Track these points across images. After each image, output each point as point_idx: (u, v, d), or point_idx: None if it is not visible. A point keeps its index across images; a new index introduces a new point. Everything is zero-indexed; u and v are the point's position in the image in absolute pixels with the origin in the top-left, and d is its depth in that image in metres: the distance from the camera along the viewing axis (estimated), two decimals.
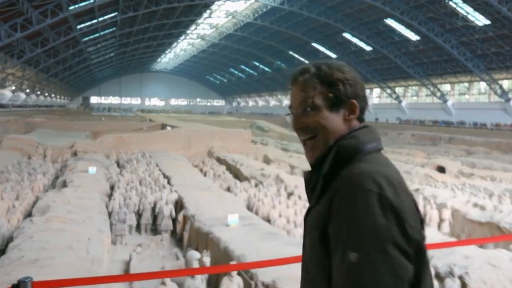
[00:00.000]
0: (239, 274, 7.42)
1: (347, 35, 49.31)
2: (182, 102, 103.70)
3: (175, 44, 68.33)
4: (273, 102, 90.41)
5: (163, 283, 7.00)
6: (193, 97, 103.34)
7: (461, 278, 7.26)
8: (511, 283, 6.91)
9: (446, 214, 12.82)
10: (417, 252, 1.04)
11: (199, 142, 26.79)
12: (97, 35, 43.83)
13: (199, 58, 78.55)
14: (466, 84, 48.97)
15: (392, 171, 1.13)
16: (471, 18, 37.32)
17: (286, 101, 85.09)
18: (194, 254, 8.52)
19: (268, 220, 11.81)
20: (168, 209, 12.40)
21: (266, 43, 58.58)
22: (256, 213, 12.58)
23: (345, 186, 1.07)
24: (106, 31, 44.16)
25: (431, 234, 11.12)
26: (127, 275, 7.03)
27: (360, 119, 1.24)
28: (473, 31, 38.72)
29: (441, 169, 24.29)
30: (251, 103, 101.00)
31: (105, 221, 11.31)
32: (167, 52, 75.69)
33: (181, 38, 63.44)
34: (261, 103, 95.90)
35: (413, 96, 57.23)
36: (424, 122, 50.76)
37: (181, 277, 7.81)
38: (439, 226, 12.74)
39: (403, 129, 49.32)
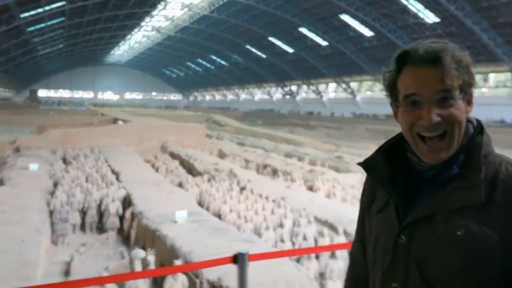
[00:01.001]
0: (183, 272, 7.12)
1: (303, 30, 49.66)
2: (137, 96, 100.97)
3: (129, 36, 66.24)
4: (230, 96, 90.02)
5: (103, 286, 6.55)
6: (148, 91, 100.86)
7: None
8: None
9: None
10: None
11: (152, 137, 26.05)
12: (43, 25, 41.59)
13: (154, 51, 76.69)
14: None
15: None
16: (422, 16, 38.60)
17: (244, 95, 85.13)
18: (138, 253, 8.14)
19: (219, 216, 11.55)
20: (114, 207, 11.84)
21: (223, 36, 58.01)
22: (207, 209, 12.29)
23: None
24: (54, 21, 41.99)
25: None
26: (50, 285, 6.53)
27: None
28: (424, 28, 40.05)
29: None
30: (208, 97, 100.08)
31: (45, 221, 10.63)
32: (120, 44, 73.31)
33: (135, 30, 61.59)
34: (218, 97, 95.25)
35: (368, 91, 58.64)
36: (378, 116, 52.11)
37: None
38: None
39: (358, 123, 50.46)
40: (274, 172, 19.68)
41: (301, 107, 66.75)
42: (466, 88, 0.99)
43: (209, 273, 6.90)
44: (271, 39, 55.10)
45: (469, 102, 1.01)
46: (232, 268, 7.28)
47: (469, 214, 0.92)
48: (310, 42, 51.96)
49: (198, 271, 7.00)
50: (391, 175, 1.07)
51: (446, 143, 0.98)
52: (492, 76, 42.88)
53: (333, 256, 7.95)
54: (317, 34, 48.92)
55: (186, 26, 57.07)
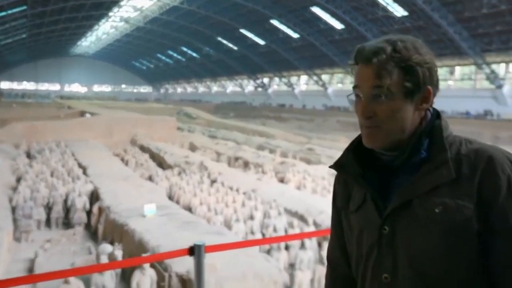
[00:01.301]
0: (152, 266, 7.01)
1: (274, 22, 49.58)
2: (106, 88, 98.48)
3: (96, 27, 64.40)
4: (202, 88, 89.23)
5: (66, 282, 6.38)
6: (118, 84, 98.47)
7: None
8: None
9: None
10: None
11: (122, 130, 25.50)
12: (4, 13, 39.85)
13: (123, 42, 74.90)
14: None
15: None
16: (391, 9, 39.15)
17: (215, 88, 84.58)
18: (105, 248, 7.95)
19: (189, 209, 11.44)
20: (81, 201, 11.54)
21: (194, 28, 57.24)
22: (177, 202, 12.15)
23: (498, 165, 0.97)
24: (15, 10, 40.31)
25: None
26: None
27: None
28: (393, 22, 40.67)
29: None
30: (179, 90, 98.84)
31: (6, 217, 10.25)
32: (88, 35, 71.19)
33: (103, 20, 59.94)
34: (190, 89, 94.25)
35: (339, 83, 59.28)
36: (349, 109, 52.83)
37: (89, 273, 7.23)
38: None
39: (329, 115, 51.06)
40: (246, 165, 19.67)
41: (273, 100, 66.85)
42: (411, 87, 1.02)
43: (178, 266, 6.82)
44: (243, 31, 54.79)
45: (424, 99, 1.05)
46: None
47: (443, 192, 0.98)
48: (281, 34, 51.97)
49: (167, 265, 6.92)
50: (363, 171, 1.11)
51: (376, 134, 1.05)
52: (458, 69, 44.12)
53: (302, 246, 8.00)
54: (288, 27, 48.97)
55: (155, 17, 55.96)
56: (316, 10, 44.05)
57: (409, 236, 1.00)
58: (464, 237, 0.95)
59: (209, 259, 7.50)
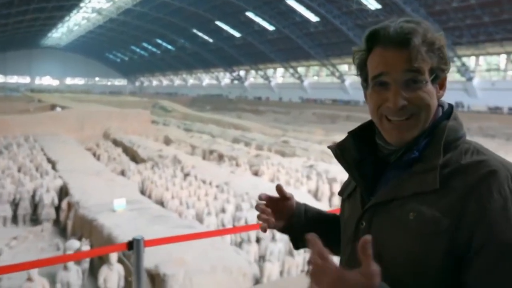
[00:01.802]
0: (120, 261, 6.92)
1: (250, 14, 49.36)
2: (79, 81, 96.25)
3: (67, 17, 62.72)
4: (178, 81, 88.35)
5: (29, 279, 6.23)
6: (91, 76, 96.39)
7: None
8: None
9: (336, 187, 13.41)
10: None
11: (94, 124, 25.02)
12: None
13: (96, 34, 73.24)
14: None
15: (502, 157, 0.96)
16: (365, 2, 39.49)
17: (191, 81, 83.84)
18: (72, 244, 7.80)
19: (161, 203, 11.33)
20: (49, 197, 11.27)
21: (168, 20, 56.45)
22: (149, 196, 12.02)
23: (496, 183, 0.86)
24: None
25: (324, 208, 11.57)
26: None
27: None
28: (367, 15, 41.08)
29: None
30: (155, 83, 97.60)
31: None
32: (58, 26, 69.28)
33: (74, 11, 58.41)
34: (165, 82, 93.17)
35: (314, 76, 59.67)
36: (325, 101, 53.28)
37: (54, 269, 7.09)
38: (330, 199, 13.29)
39: (305, 107, 51.35)
40: (220, 158, 19.61)
41: (249, 92, 66.78)
42: (438, 71, 0.96)
43: (147, 261, 6.74)
44: (218, 23, 54.35)
45: (441, 86, 0.99)
46: (172, 254, 7.16)
47: (425, 199, 0.90)
48: (257, 26, 51.81)
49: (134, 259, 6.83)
50: (359, 160, 1.05)
51: (411, 124, 0.95)
52: None
53: (273, 239, 8.04)
54: (264, 19, 48.84)
55: (129, 9, 54.92)
56: (291, 2, 44.06)
57: (381, 234, 0.94)
58: (432, 250, 0.87)
59: (178, 252, 7.44)
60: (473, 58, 41.06)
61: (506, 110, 35.40)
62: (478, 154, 0.92)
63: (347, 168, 1.07)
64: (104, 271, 6.62)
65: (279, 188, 1.20)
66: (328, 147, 1.13)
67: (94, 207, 9.87)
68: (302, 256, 7.63)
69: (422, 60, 0.92)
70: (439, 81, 0.98)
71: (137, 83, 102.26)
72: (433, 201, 0.89)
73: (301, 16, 45.73)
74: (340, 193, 1.18)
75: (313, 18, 45.34)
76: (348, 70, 53.85)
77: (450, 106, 1.03)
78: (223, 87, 73.74)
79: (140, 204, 10.13)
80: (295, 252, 7.49)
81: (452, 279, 0.87)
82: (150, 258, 6.87)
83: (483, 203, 0.84)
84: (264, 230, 1.16)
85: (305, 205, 1.24)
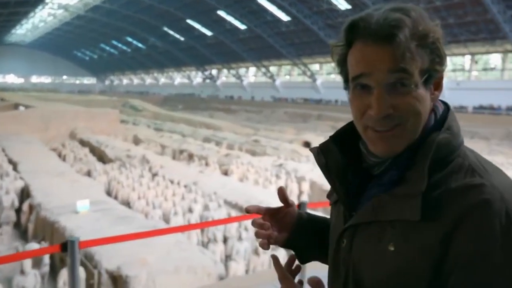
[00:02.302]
0: (82, 264, 6.73)
1: (221, 13, 49.18)
2: (46, 79, 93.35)
3: (32, 13, 60.72)
4: (149, 80, 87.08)
5: None
6: (59, 75, 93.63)
7: None
8: None
9: (305, 186, 13.52)
10: None
11: (60, 123, 24.31)
12: None
13: (63, 31, 71.25)
14: (333, 64, 52.22)
15: (505, 176, 0.79)
16: (335, 2, 39.97)
17: (163, 80, 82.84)
18: (31, 247, 7.55)
19: (128, 204, 11.13)
20: (9, 199, 10.87)
21: (139, 17, 55.54)
22: (116, 197, 11.78)
23: (486, 216, 0.70)
24: None
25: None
26: None
27: None
28: (337, 15, 41.59)
29: (308, 144, 25.89)
30: (125, 82, 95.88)
31: None
32: (23, 22, 66.99)
33: (39, 7, 56.62)
34: (136, 81, 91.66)
35: (286, 75, 60.00)
36: (296, 100, 53.66)
37: (11, 273, 6.85)
38: (298, 198, 13.37)
39: (277, 107, 51.57)
40: (190, 157, 19.44)
41: (221, 92, 66.55)
42: (432, 70, 0.79)
43: (108, 263, 6.61)
44: (189, 21, 53.89)
45: (436, 86, 0.82)
46: (135, 255, 7.02)
47: (405, 229, 0.77)
48: (228, 25, 51.65)
49: (97, 262, 6.68)
50: (343, 168, 0.91)
51: (397, 135, 0.79)
52: None
53: (240, 238, 8.02)
54: (235, 18, 48.75)
55: (97, 5, 53.75)
56: (262, 1, 44.15)
57: (360, 258, 0.84)
58: (411, 287, 0.76)
59: (141, 253, 7.30)
60: None
61: (470, 109, 36.59)
62: (472, 174, 0.76)
63: (328, 179, 0.93)
64: (64, 274, 6.43)
65: (281, 193, 1.03)
66: (310, 149, 0.98)
67: (56, 209, 9.60)
68: (268, 254, 7.63)
69: (410, 59, 0.76)
70: (435, 80, 0.81)
71: (107, 82, 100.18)
72: (415, 234, 0.76)
73: (272, 15, 45.89)
74: (327, 196, 1.04)
75: (284, 17, 45.57)
76: (319, 69, 54.46)
77: (447, 109, 0.86)
78: (195, 86, 73.20)
79: (105, 205, 9.92)
80: (260, 250, 7.49)
81: None
82: (113, 259, 6.75)
83: (468, 240, 0.71)
84: (267, 248, 1.00)
85: (307, 214, 1.09)
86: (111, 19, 58.66)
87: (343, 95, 48.76)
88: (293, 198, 13.34)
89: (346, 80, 0.85)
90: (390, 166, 0.83)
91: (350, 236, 0.86)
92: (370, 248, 0.82)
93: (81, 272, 6.63)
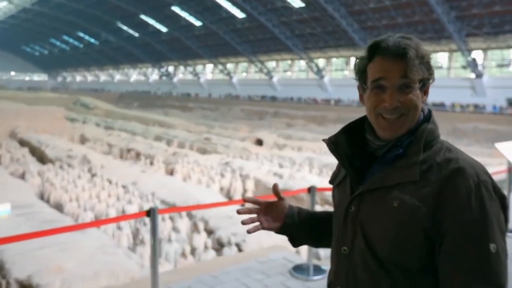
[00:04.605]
0: None
1: (175, 9, 48.33)
2: None
3: None
4: (104, 77, 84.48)
5: None
6: (6, 70, 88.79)
7: (238, 245, 7.48)
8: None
9: (250, 184, 13.43)
10: None
11: None
12: None
13: (9, 24, 67.67)
14: (289, 62, 53.20)
15: (467, 154, 1.13)
16: (289, 0, 40.17)
17: (118, 76, 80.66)
18: None
19: (60, 206, 10.61)
20: None
21: (90, 12, 53.65)
22: (48, 200, 11.21)
23: (463, 178, 1.03)
24: None
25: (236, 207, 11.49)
26: None
27: None
28: (291, 12, 41.88)
29: (260, 142, 25.88)
30: (79, 78, 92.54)
31: None
32: None
33: None
34: (90, 78, 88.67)
35: (243, 73, 59.86)
36: (253, 98, 53.67)
37: None
38: (243, 196, 13.26)
39: (234, 104, 51.41)
40: (138, 156, 18.93)
41: (178, 89, 65.56)
42: (425, 80, 1.12)
43: (20, 272, 6.20)
44: (143, 17, 52.65)
45: (425, 92, 1.14)
46: (50, 262, 6.62)
47: (406, 189, 1.06)
48: (183, 21, 50.87)
49: (7, 270, 6.25)
50: (351, 153, 1.19)
51: (401, 122, 1.11)
52: (352, 60, 46.94)
53: (169, 240, 7.79)
54: (190, 14, 48.08)
55: None
56: None
57: (368, 219, 1.10)
58: (412, 233, 1.03)
59: (58, 260, 6.90)
60: None
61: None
62: (449, 152, 1.09)
63: (340, 160, 1.21)
64: None
65: (275, 188, 1.32)
66: (323, 139, 1.26)
67: None
68: (197, 257, 7.46)
69: (415, 71, 1.08)
70: (425, 88, 1.13)
71: (60, 79, 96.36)
72: (414, 191, 1.05)
73: (227, 12, 45.60)
74: (330, 182, 1.32)
75: (239, 14, 45.39)
76: (276, 66, 54.70)
77: (429, 111, 1.18)
78: (152, 83, 71.71)
79: (31, 208, 9.38)
80: (188, 252, 7.30)
81: (428, 258, 1.04)
82: (27, 267, 6.35)
83: (451, 195, 1.01)
84: (254, 231, 1.28)
85: (298, 207, 1.39)
86: (60, 13, 56.33)
87: (298, 93, 49.26)
88: (237, 197, 13.25)
89: (364, 83, 1.16)
90: (393, 146, 1.12)
91: (357, 203, 1.13)
92: (376, 209, 1.09)
93: None
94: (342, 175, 1.25)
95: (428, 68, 1.12)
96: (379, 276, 1.08)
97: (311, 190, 3.51)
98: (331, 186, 1.33)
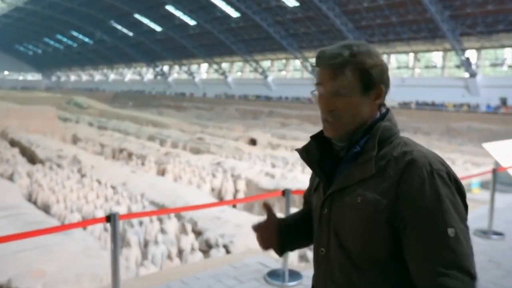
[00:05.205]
0: None
1: (170, 8, 48.11)
2: None
3: None
4: (98, 76, 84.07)
5: None
6: None
7: (225, 246, 7.37)
8: None
9: (241, 184, 13.31)
10: None
11: None
12: None
13: (2, 23, 67.19)
14: (284, 61, 53.10)
15: (426, 148, 1.20)
16: None
17: (113, 76, 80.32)
18: None
19: (48, 207, 10.46)
20: None
21: (83, 11, 53.33)
22: (36, 201, 11.06)
23: (416, 168, 1.09)
24: None
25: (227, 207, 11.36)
26: None
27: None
28: (286, 11, 41.76)
29: (254, 142, 25.76)
30: (73, 78, 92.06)
31: None
32: None
33: None
34: (85, 77, 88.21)
35: (238, 72, 59.70)
36: (248, 97, 53.53)
37: None
38: (234, 196, 13.15)
39: (229, 103, 51.23)
40: (130, 156, 18.78)
41: (173, 88, 65.31)
42: (366, 86, 1.17)
43: (0, 276, 6.07)
44: (137, 16, 52.38)
45: (376, 97, 1.19)
46: (32, 266, 6.48)
47: (367, 185, 1.12)
48: (177, 21, 50.65)
49: None
50: (320, 158, 1.26)
51: (338, 125, 1.18)
52: None
53: (156, 242, 7.67)
54: (184, 13, 47.86)
55: None
56: None
57: (339, 217, 1.17)
58: (376, 225, 1.10)
59: (40, 263, 6.77)
60: (385, 56, 43.45)
61: (413, 106, 37.90)
62: (406, 146, 1.14)
63: (311, 167, 1.27)
64: None
65: (267, 207, 1.39)
66: (296, 149, 1.32)
67: None
68: (183, 259, 7.34)
69: (343, 77, 1.16)
70: (374, 93, 1.18)
71: (54, 78, 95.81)
72: (375, 186, 1.11)
73: (221, 11, 45.42)
74: (310, 187, 1.41)
75: (233, 13, 45.22)
76: (270, 66, 54.59)
77: (387, 110, 1.24)
78: (146, 83, 71.42)
79: (17, 210, 9.22)
80: (173, 255, 7.18)
81: (397, 246, 1.10)
82: (8, 271, 6.22)
83: (406, 185, 1.08)
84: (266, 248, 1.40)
85: (283, 219, 1.45)
86: (54, 12, 55.97)
87: (292, 92, 49.17)
88: (229, 197, 13.15)
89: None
90: (351, 146, 1.19)
91: (329, 204, 1.20)
92: (345, 207, 1.15)
93: None
94: (317, 181, 1.31)
95: (367, 76, 1.17)
96: (354, 275, 1.14)
97: (285, 193, 3.43)
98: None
